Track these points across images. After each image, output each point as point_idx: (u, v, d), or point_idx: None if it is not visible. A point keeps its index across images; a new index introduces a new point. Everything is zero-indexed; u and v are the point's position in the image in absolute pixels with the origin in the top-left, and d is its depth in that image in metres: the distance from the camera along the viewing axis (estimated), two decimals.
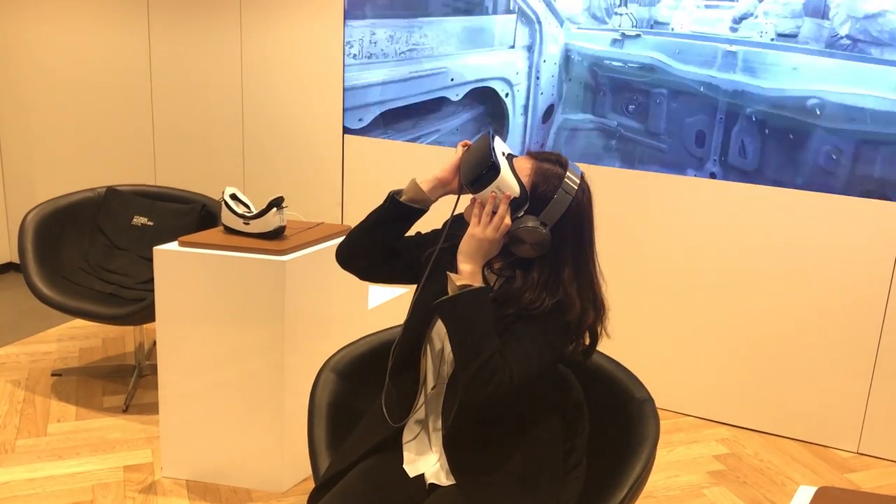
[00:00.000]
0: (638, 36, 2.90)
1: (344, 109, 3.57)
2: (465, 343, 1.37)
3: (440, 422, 1.55)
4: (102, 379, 3.19)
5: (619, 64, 2.95)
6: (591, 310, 1.46)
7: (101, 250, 3.27)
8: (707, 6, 2.78)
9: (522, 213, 1.44)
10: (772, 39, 2.69)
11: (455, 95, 3.33)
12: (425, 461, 1.56)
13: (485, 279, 1.47)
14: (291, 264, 2.31)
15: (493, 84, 3.24)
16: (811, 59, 2.64)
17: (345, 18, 3.47)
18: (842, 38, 2.53)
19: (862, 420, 2.86)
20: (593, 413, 1.68)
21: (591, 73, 3.02)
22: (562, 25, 3.03)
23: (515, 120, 3.22)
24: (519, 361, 1.39)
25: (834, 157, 2.63)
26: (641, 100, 2.94)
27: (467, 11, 3.22)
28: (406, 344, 1.57)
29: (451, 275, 1.44)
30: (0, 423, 2.80)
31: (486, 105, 3.28)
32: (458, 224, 1.51)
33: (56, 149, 4.25)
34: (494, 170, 1.41)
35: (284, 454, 2.42)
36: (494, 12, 3.16)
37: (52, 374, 3.21)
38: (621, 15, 2.91)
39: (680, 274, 3.05)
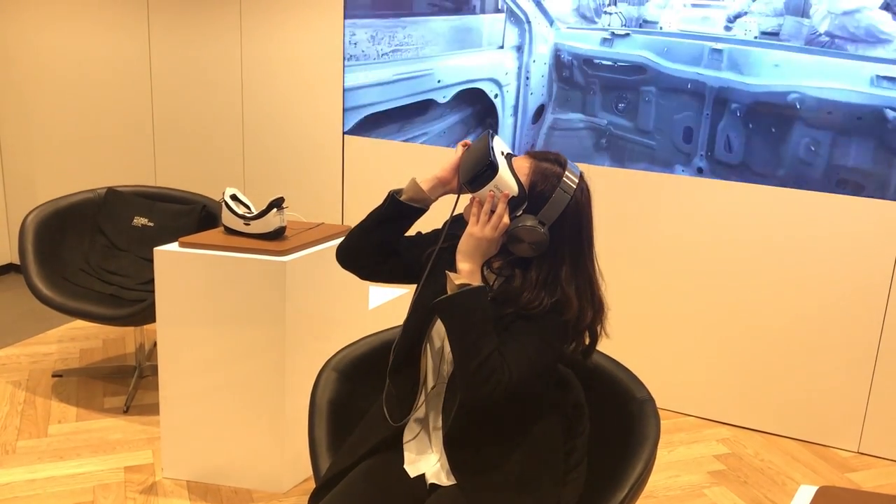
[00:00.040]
0: (627, 35, 2.92)
1: (344, 110, 3.57)
2: (463, 342, 1.38)
3: (440, 421, 1.55)
4: (103, 380, 3.19)
5: (609, 63, 2.97)
6: (590, 309, 1.47)
7: (101, 251, 3.27)
8: (694, 5, 2.82)
9: (521, 212, 1.44)
10: (755, 37, 2.76)
11: (442, 97, 3.32)
12: (426, 461, 1.56)
13: (484, 278, 1.47)
14: (292, 265, 2.31)
15: (481, 85, 3.24)
16: (792, 56, 2.72)
17: (345, 18, 3.47)
18: (821, 35, 2.61)
19: (862, 419, 2.86)
20: (594, 413, 1.68)
21: (582, 72, 3.03)
22: (552, 25, 3.04)
23: (505, 121, 3.22)
24: (518, 360, 1.39)
25: (812, 148, 2.72)
26: (631, 98, 2.97)
27: (454, 11, 3.21)
28: (406, 343, 1.57)
29: (450, 274, 1.45)
30: (1, 425, 2.80)
31: (475, 107, 3.27)
32: (457, 224, 1.51)
33: (56, 150, 4.26)
34: (492, 168, 1.42)
35: (285, 455, 2.42)
36: (482, 11, 3.16)
37: (53, 375, 3.21)
38: (611, 14, 2.93)
39: (680, 274, 3.05)
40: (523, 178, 1.45)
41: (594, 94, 3.04)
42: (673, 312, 3.09)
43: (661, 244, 3.06)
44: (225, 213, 2.45)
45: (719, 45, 2.80)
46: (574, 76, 3.06)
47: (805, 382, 2.92)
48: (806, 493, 1.52)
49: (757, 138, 2.82)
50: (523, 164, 1.47)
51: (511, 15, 3.11)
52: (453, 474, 1.50)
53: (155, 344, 2.98)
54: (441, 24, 3.23)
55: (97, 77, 4.08)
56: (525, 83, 3.14)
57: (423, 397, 1.57)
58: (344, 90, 3.54)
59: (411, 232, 1.62)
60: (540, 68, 3.11)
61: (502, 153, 1.47)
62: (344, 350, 1.86)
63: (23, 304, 3.97)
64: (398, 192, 1.56)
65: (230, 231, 2.45)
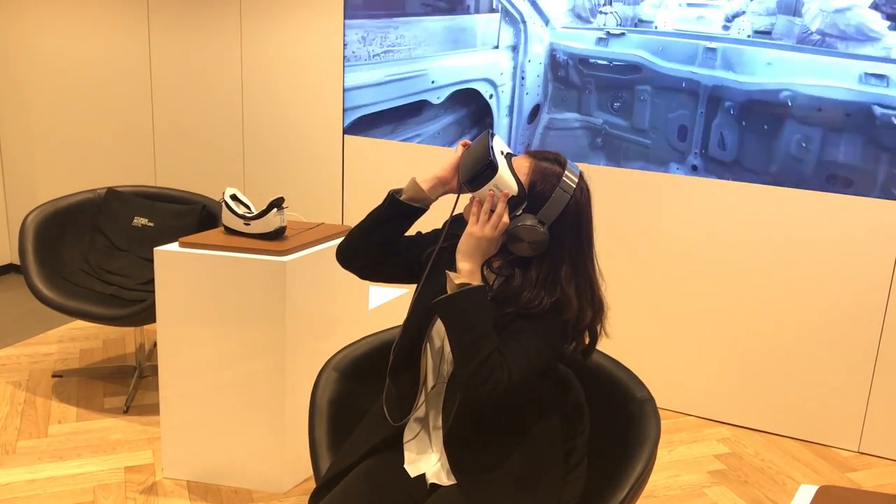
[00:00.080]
0: (623, 34, 2.93)
1: (344, 110, 3.57)
2: (463, 341, 1.38)
3: (440, 421, 1.55)
4: (103, 380, 3.19)
5: (605, 62, 2.98)
6: (590, 309, 1.46)
7: (101, 251, 3.27)
8: (689, 4, 2.84)
9: (521, 211, 1.44)
10: (749, 36, 2.78)
11: (436, 98, 3.31)
12: (426, 461, 1.56)
13: (484, 278, 1.47)
14: (292, 265, 2.31)
15: (476, 85, 3.23)
16: (784, 55, 2.74)
17: (345, 18, 3.47)
18: (812, 33, 2.65)
19: (863, 419, 2.86)
20: (594, 413, 1.68)
21: (577, 71, 3.04)
22: (547, 25, 3.04)
23: (500, 121, 3.22)
24: (518, 360, 1.39)
25: (804, 144, 2.75)
26: (626, 97, 2.99)
27: (448, 11, 3.20)
28: (406, 343, 1.57)
29: (450, 273, 1.45)
30: (1, 425, 2.80)
31: (470, 107, 3.27)
32: (457, 223, 1.51)
33: (56, 150, 4.26)
34: (492, 168, 1.42)
35: (285, 455, 2.42)
36: (477, 11, 3.16)
37: (53, 376, 3.21)
38: (606, 14, 2.93)
39: (681, 274, 3.05)
40: (523, 178, 1.45)
41: (590, 94, 3.05)
42: (673, 312, 3.09)
43: (660, 244, 3.06)
44: (225, 213, 2.45)
45: (713, 45, 2.82)
46: (570, 76, 3.06)
47: (805, 382, 2.92)
48: (806, 492, 1.52)
49: (750, 135, 2.85)
50: (523, 164, 1.47)
51: (506, 15, 3.11)
52: (453, 474, 1.50)
53: (155, 344, 2.98)
54: (434, 24, 3.23)
55: (97, 77, 4.08)
56: (520, 83, 3.14)
57: (423, 397, 1.57)
58: (344, 90, 3.54)
59: (411, 232, 1.62)
60: (535, 68, 3.12)
61: (502, 153, 1.47)
62: (344, 350, 1.86)
63: (23, 304, 3.97)
64: (398, 191, 1.56)
65: (230, 231, 2.45)
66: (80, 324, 3.74)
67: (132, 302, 2.97)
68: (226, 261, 2.32)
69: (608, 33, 2.96)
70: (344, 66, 3.51)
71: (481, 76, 3.21)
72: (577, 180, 1.45)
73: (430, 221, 1.63)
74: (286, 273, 2.29)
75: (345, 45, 3.38)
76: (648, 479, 1.55)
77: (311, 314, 2.43)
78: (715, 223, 2.96)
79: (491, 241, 1.44)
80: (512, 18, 3.11)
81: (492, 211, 1.43)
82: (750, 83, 2.81)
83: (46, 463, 2.57)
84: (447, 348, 1.49)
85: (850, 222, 2.76)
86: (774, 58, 2.74)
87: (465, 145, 1.53)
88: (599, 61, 3.00)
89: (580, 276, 1.46)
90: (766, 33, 2.74)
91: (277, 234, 2.42)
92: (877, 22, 2.58)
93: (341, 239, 1.65)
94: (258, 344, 2.34)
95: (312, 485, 1.59)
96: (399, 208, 1.55)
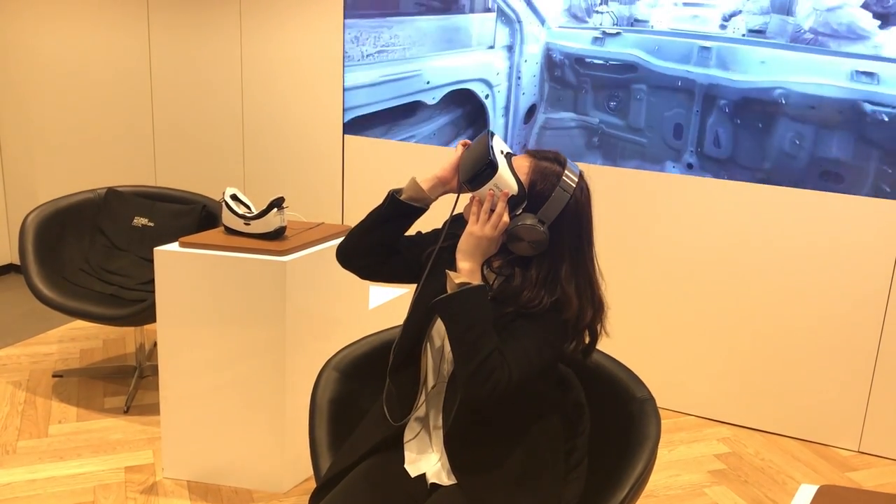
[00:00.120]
0: (618, 34, 2.94)
1: (344, 109, 3.57)
2: (463, 341, 1.38)
3: (441, 420, 1.55)
4: (103, 380, 3.19)
5: (601, 62, 2.99)
6: (590, 308, 1.46)
7: (101, 251, 3.27)
8: (685, 4, 2.85)
9: (521, 210, 1.44)
10: (743, 35, 2.80)
11: (431, 99, 3.31)
12: (426, 460, 1.56)
13: (484, 277, 1.47)
14: (292, 265, 2.31)
15: (471, 86, 3.23)
16: (777, 53, 2.76)
17: (345, 18, 3.47)
18: (805, 32, 2.67)
19: (863, 419, 2.86)
20: (594, 412, 1.68)
21: (573, 71, 3.04)
22: (543, 24, 3.04)
23: (496, 121, 3.22)
24: (518, 359, 1.39)
25: (797, 142, 2.77)
26: (622, 96, 3.00)
27: (443, 10, 3.20)
28: (406, 342, 1.57)
29: (450, 273, 1.45)
30: (1, 425, 2.80)
31: (465, 107, 3.26)
32: (457, 223, 1.51)
33: (56, 150, 4.26)
34: (492, 167, 1.42)
35: (285, 454, 2.42)
36: (472, 11, 3.15)
37: (53, 376, 3.21)
38: (602, 13, 2.94)
39: (681, 273, 3.05)
40: (523, 177, 1.45)
41: (586, 93, 3.05)
42: (673, 311, 3.09)
43: (660, 243, 3.06)
44: (225, 212, 2.45)
45: (708, 44, 2.84)
46: (566, 75, 3.06)
47: (805, 382, 2.92)
48: (806, 492, 1.52)
49: (744, 133, 2.86)
50: (523, 163, 1.47)
51: (501, 14, 3.11)
52: (454, 474, 1.50)
53: (155, 344, 2.98)
54: (429, 24, 3.22)
55: (97, 77, 4.08)
56: (516, 83, 3.14)
57: (423, 396, 1.57)
58: (344, 90, 3.54)
59: (411, 231, 1.62)
60: (531, 68, 3.12)
61: (502, 152, 1.47)
62: (344, 350, 1.86)
63: (23, 304, 3.97)
64: (398, 191, 1.56)
65: (230, 231, 2.45)
66: (80, 324, 3.74)
67: (132, 302, 2.97)
68: (226, 261, 2.32)
69: (604, 33, 2.97)
70: (344, 66, 3.51)
71: (476, 76, 3.21)
72: (577, 179, 1.45)
73: (430, 221, 1.63)
74: (286, 273, 2.29)
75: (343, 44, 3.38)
76: (649, 478, 1.55)
77: (311, 314, 2.43)
78: (713, 223, 2.96)
79: (491, 241, 1.44)
80: (507, 18, 3.11)
81: (492, 210, 1.43)
82: (744, 82, 2.82)
83: (47, 463, 2.57)
84: (447, 348, 1.49)
85: (850, 222, 2.76)
86: (768, 56, 2.76)
87: (464, 145, 1.53)
88: (595, 61, 3.00)
89: (580, 275, 1.46)
90: (760, 32, 2.76)
91: (277, 234, 2.42)
92: (867, 20, 2.60)
93: (341, 239, 1.65)
94: (258, 344, 2.34)
95: (312, 485, 1.59)
96: (399, 208, 1.55)
